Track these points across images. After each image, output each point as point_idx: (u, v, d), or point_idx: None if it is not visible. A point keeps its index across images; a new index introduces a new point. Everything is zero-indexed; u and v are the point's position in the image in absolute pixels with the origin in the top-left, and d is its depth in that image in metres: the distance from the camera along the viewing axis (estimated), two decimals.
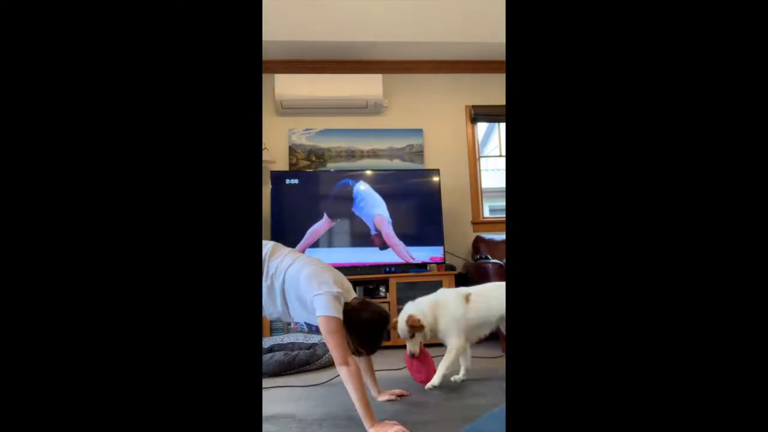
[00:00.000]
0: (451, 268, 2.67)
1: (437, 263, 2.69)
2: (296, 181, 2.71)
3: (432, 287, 2.62)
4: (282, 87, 2.82)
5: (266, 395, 1.56)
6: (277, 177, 2.69)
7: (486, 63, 3.17)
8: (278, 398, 1.53)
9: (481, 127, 3.45)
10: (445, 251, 2.73)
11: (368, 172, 2.80)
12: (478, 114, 3.13)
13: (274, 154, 2.90)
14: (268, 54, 2.88)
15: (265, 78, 2.90)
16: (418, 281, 2.59)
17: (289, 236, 2.53)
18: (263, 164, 2.78)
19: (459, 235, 2.98)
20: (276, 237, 2.48)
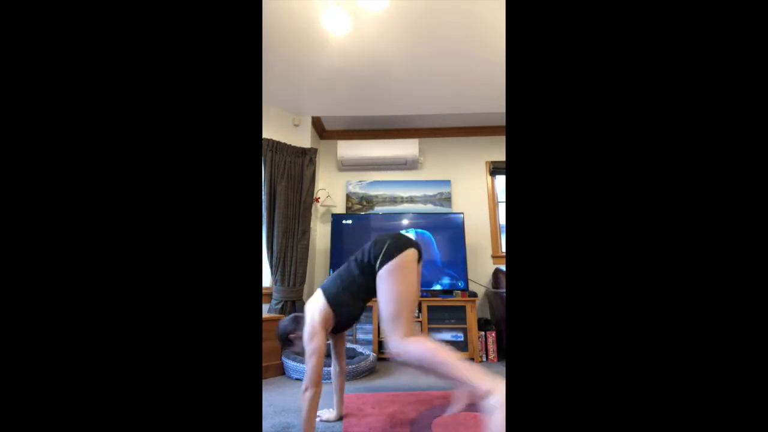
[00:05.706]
0: (474, 294, 2.74)
1: (461, 290, 2.82)
2: (351, 221, 3.05)
3: (457, 311, 2.74)
4: (342, 150, 3.29)
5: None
6: (337, 218, 3.05)
7: (502, 127, 3.43)
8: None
9: (499, 179, 3.50)
10: (468, 279, 2.90)
11: (408, 214, 3.07)
12: (495, 168, 3.40)
13: (336, 200, 3.38)
14: (332, 125, 3.42)
15: (330, 144, 3.47)
16: (446, 305, 2.71)
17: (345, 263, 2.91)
18: (327, 208, 3.27)
19: (481, 266, 3.20)
20: (335, 264, 2.89)
